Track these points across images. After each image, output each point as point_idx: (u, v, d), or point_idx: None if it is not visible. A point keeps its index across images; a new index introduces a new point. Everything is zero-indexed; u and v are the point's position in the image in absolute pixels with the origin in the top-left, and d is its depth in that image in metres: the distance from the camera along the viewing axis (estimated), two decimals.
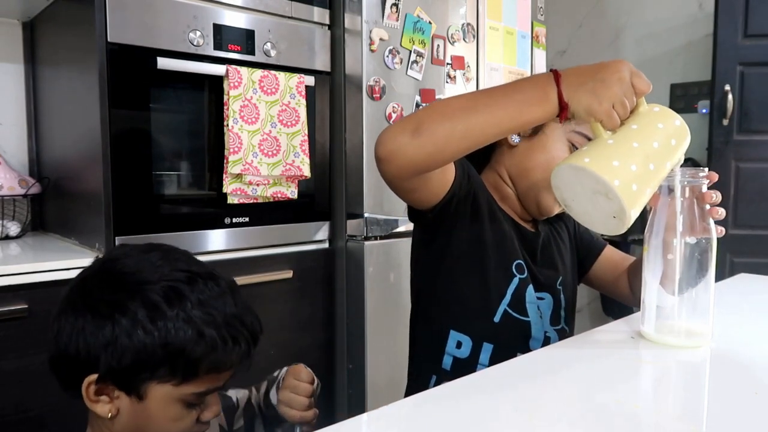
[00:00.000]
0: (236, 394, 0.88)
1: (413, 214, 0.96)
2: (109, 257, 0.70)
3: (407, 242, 1.05)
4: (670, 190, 0.77)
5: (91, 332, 0.63)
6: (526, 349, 0.97)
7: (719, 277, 0.86)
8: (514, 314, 0.96)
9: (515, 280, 0.96)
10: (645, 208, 0.77)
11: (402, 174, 0.80)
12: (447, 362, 0.97)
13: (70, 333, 0.64)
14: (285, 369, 0.86)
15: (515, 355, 0.95)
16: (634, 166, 0.70)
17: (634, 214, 0.71)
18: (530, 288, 0.97)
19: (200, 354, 0.63)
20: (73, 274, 1.26)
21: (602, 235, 0.89)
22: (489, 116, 0.75)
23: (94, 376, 0.64)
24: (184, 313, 0.63)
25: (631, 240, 2.52)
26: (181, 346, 0.62)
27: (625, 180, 0.69)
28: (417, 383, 1.02)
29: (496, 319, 0.95)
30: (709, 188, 0.77)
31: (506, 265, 0.96)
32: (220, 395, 0.76)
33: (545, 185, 0.95)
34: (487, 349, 0.95)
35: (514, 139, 1.00)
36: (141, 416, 0.66)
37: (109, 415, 0.65)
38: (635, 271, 1.04)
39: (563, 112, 0.73)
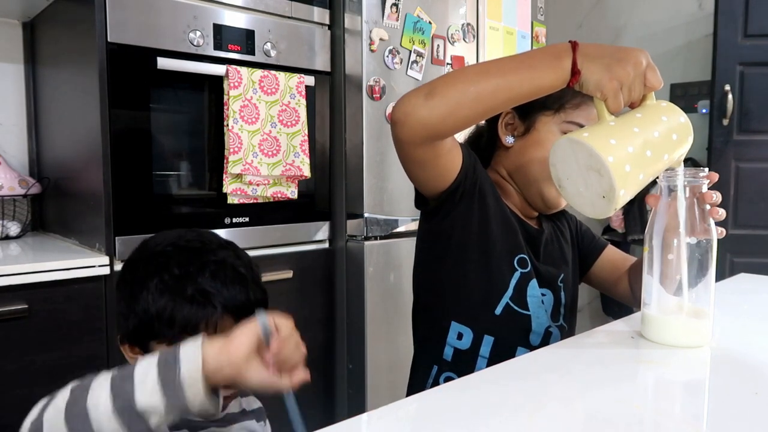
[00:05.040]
0: None
1: (419, 200, 0.97)
2: (148, 237, 0.81)
3: (407, 242, 1.06)
4: (671, 191, 0.76)
5: (117, 304, 0.77)
6: (526, 343, 0.97)
7: (719, 277, 0.86)
8: (515, 307, 0.96)
9: (517, 274, 0.97)
10: (645, 208, 0.77)
11: (414, 137, 0.81)
12: (448, 353, 0.97)
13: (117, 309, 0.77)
14: None
15: (515, 349, 0.96)
16: (631, 148, 0.70)
17: (623, 196, 0.70)
18: (533, 282, 0.98)
19: (169, 316, 0.70)
20: (73, 274, 1.28)
21: (603, 235, 0.89)
22: (501, 80, 0.76)
23: (119, 337, 0.75)
24: (162, 284, 0.71)
25: (632, 240, 2.52)
26: (157, 311, 0.71)
27: (619, 158, 0.69)
28: (419, 374, 1.03)
29: (498, 311, 0.95)
30: (709, 188, 0.77)
31: (509, 259, 0.97)
32: None
33: (545, 177, 0.96)
34: (487, 341, 0.95)
35: (508, 140, 1.02)
36: None
37: None
38: (636, 272, 1.05)
39: (574, 78, 0.74)
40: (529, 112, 0.99)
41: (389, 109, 1.76)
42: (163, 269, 0.72)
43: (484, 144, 1.08)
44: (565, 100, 0.96)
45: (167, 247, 0.75)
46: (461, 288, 0.97)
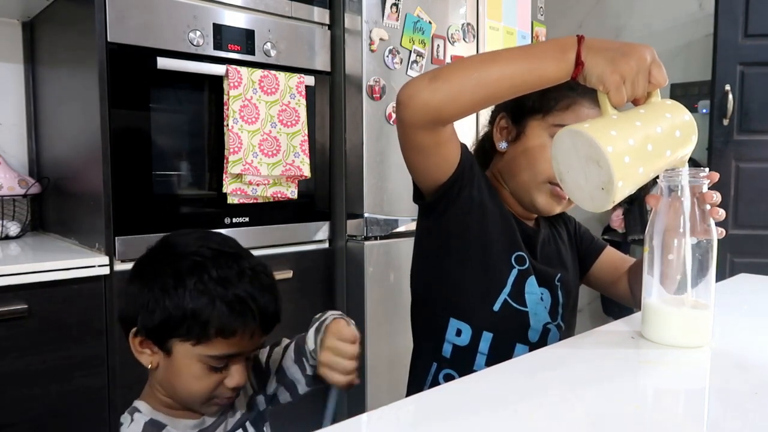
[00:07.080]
0: (263, 357, 0.91)
1: (417, 194, 0.97)
2: (169, 234, 0.81)
3: (407, 242, 1.06)
4: (671, 191, 0.76)
5: (136, 295, 0.75)
6: (524, 340, 0.97)
7: (719, 277, 0.86)
8: (514, 304, 0.96)
9: (514, 271, 0.97)
10: (645, 208, 0.76)
11: (416, 120, 0.82)
12: (447, 350, 0.97)
13: (126, 296, 0.78)
14: (327, 317, 0.85)
15: (514, 345, 0.96)
16: (632, 140, 0.70)
17: (621, 188, 0.70)
18: (531, 279, 0.98)
19: (207, 318, 0.72)
20: (73, 274, 1.28)
21: (603, 235, 0.88)
22: (504, 68, 0.78)
23: (134, 329, 0.76)
24: (202, 284, 0.73)
25: (632, 240, 2.52)
26: (194, 310, 0.72)
27: (618, 149, 0.69)
28: (418, 371, 1.03)
29: (496, 308, 0.96)
30: (709, 188, 0.77)
31: (507, 256, 0.97)
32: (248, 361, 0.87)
33: (534, 185, 0.97)
34: (486, 338, 0.96)
35: (502, 145, 1.02)
36: (171, 371, 0.76)
37: (150, 366, 0.78)
38: (635, 273, 1.04)
39: (577, 70, 0.74)
40: (521, 117, 0.99)
41: (389, 109, 1.76)
42: (201, 270, 0.73)
43: (487, 148, 1.08)
44: (554, 102, 0.95)
45: (201, 248, 0.76)
46: (459, 284, 0.97)
